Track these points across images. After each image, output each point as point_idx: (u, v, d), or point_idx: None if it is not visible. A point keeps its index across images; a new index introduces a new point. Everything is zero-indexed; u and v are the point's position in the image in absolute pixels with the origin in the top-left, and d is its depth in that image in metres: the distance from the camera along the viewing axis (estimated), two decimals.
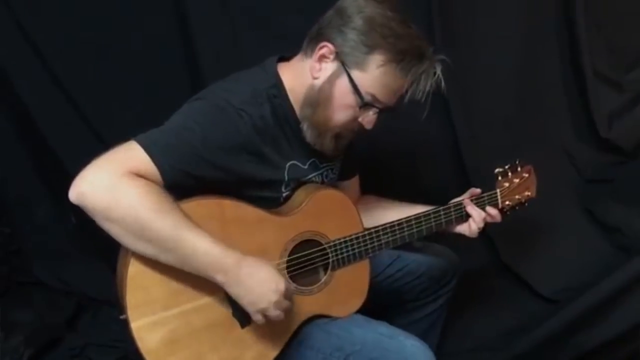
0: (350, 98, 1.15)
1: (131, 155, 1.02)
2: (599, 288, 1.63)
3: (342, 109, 1.16)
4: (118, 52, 1.78)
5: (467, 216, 1.37)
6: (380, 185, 1.53)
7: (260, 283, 1.06)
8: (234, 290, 1.06)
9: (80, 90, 1.81)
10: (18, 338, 1.70)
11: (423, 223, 1.32)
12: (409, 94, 1.15)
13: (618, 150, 2.03)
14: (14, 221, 1.99)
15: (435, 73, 1.14)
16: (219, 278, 1.05)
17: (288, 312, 1.11)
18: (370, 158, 1.68)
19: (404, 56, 1.12)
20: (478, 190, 1.41)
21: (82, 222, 1.89)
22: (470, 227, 1.37)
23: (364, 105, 1.16)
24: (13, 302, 1.86)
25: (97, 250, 1.91)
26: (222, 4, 1.71)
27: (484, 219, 1.38)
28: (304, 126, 1.18)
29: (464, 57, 1.82)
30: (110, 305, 1.89)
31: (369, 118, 1.18)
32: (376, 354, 1.18)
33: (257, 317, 1.08)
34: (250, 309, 1.07)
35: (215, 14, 1.71)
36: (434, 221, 1.34)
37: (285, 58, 1.22)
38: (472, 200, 1.38)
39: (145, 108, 1.81)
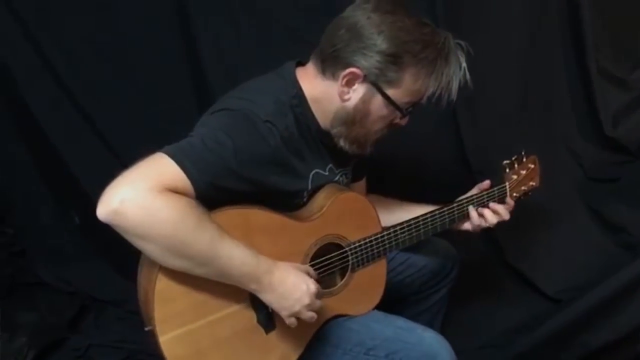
0: (386, 111, 1.16)
1: (165, 171, 0.98)
2: (603, 287, 1.62)
3: (379, 120, 1.17)
4: (121, 51, 1.78)
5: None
6: (384, 184, 1.53)
7: (292, 288, 1.07)
8: (267, 297, 1.07)
9: (83, 90, 1.81)
10: (22, 339, 1.70)
11: (438, 220, 1.34)
12: (445, 95, 1.14)
13: (623, 149, 2.02)
14: (18, 222, 2.00)
15: (461, 65, 1.14)
16: (253, 286, 1.06)
17: (318, 312, 1.12)
18: (375, 156, 1.67)
19: (435, 65, 1.12)
20: (486, 183, 1.41)
21: (85, 223, 1.90)
22: (486, 219, 1.38)
23: (405, 114, 1.18)
24: (16, 303, 1.86)
25: (101, 251, 1.91)
26: (226, 4, 1.71)
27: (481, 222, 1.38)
28: (341, 141, 1.19)
29: (469, 56, 1.81)
30: (113, 306, 1.89)
31: (405, 117, 1.20)
32: (396, 347, 1.20)
33: (291, 321, 1.10)
34: (284, 313, 1.09)
35: (218, 14, 1.71)
36: (448, 217, 1.35)
37: (301, 63, 1.21)
38: (482, 194, 1.39)
39: (147, 107, 1.81)
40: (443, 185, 1.46)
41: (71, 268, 1.97)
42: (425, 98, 1.16)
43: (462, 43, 1.16)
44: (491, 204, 1.39)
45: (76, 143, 1.85)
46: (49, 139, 1.84)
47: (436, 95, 1.14)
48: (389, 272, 1.44)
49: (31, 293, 1.94)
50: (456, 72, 1.13)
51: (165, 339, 1.04)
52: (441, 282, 1.54)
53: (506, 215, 1.39)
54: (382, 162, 1.71)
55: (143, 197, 0.93)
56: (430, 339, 1.22)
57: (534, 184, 1.47)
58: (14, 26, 1.73)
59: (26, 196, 1.97)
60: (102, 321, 1.88)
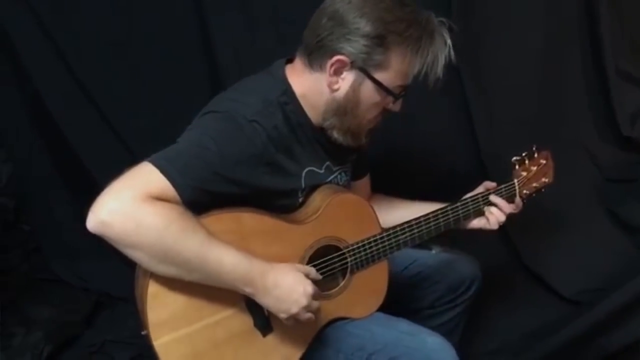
0: (378, 96, 1.15)
1: (148, 179, 0.99)
2: (621, 290, 1.60)
3: (371, 107, 1.16)
4: (136, 49, 1.79)
5: (483, 211, 1.35)
6: (397, 184, 1.52)
7: (289, 290, 1.06)
8: (263, 300, 1.07)
9: (99, 88, 1.83)
10: (38, 334, 1.72)
11: (441, 219, 1.31)
12: (431, 74, 1.13)
13: None
14: (34, 219, 2.02)
15: (445, 42, 1.13)
16: (248, 290, 1.05)
17: (317, 313, 1.12)
18: (387, 155, 1.67)
19: (420, 42, 1.11)
20: (493, 184, 1.38)
21: None
22: (489, 221, 1.35)
23: (397, 98, 1.16)
24: (32, 299, 1.89)
25: (115, 248, 1.92)
26: (242, 1, 1.71)
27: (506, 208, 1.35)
28: (334, 133, 1.17)
29: (485, 56, 1.80)
30: (128, 302, 1.90)
31: (398, 102, 1.19)
32: (398, 352, 1.18)
33: (290, 323, 1.09)
34: (282, 315, 1.08)
35: (233, 12, 1.71)
36: (452, 217, 1.32)
37: (290, 60, 1.20)
38: (489, 192, 1.35)
39: (159, 103, 1.83)
40: (456, 184, 1.45)
41: (86, 265, 1.99)
42: (411, 78, 1.15)
43: (445, 20, 1.15)
44: (492, 197, 1.35)
45: (92, 141, 1.87)
46: (65, 137, 1.86)
47: (422, 73, 1.13)
48: (401, 283, 1.42)
49: (47, 289, 1.96)
50: (441, 49, 1.12)
51: (159, 343, 1.04)
52: (457, 299, 1.48)
53: (507, 209, 1.35)
54: (397, 161, 1.71)
55: (128, 206, 0.95)
56: (432, 344, 1.19)
57: (546, 180, 1.41)
58: (31, 23, 1.75)
59: (42, 193, 1.99)
60: (116, 317, 1.90)
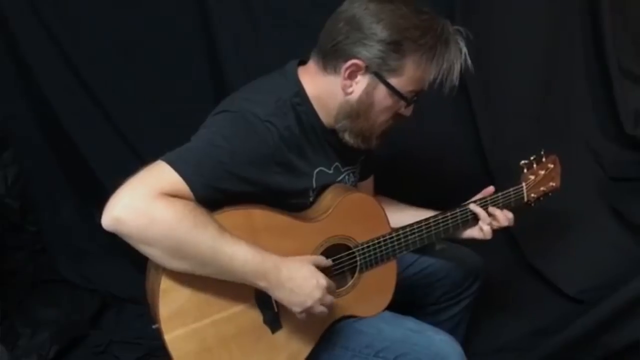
0: (390, 101, 1.16)
1: (162, 177, 1.01)
2: (626, 288, 1.59)
3: (383, 111, 1.17)
4: (141, 50, 1.80)
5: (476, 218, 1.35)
6: (401, 186, 1.52)
7: (302, 283, 1.07)
8: (277, 294, 1.07)
9: (104, 90, 1.83)
10: (44, 335, 1.73)
11: (450, 221, 1.31)
12: (447, 82, 1.14)
13: None
14: (40, 220, 2.02)
15: (461, 50, 1.14)
16: (261, 284, 1.06)
17: (329, 308, 1.12)
18: (390, 156, 1.66)
19: (435, 50, 1.12)
20: (491, 189, 1.38)
21: None
22: (482, 230, 1.34)
23: (409, 103, 1.17)
24: (39, 299, 1.90)
25: (121, 248, 1.92)
26: (245, 3, 1.72)
27: (491, 220, 1.34)
28: (345, 135, 1.18)
29: (487, 55, 1.80)
30: (133, 303, 1.91)
31: (409, 107, 1.20)
32: (405, 349, 1.19)
33: (302, 317, 1.10)
34: (295, 309, 1.08)
35: (236, 12, 1.72)
36: (461, 218, 1.33)
37: (303, 62, 1.21)
38: (497, 195, 1.36)
39: (162, 104, 1.83)
40: (461, 186, 1.46)
41: (92, 265, 2.00)
42: (427, 85, 1.16)
43: (461, 29, 1.15)
44: (490, 208, 1.34)
45: (97, 141, 1.88)
46: (70, 138, 1.87)
47: (438, 81, 1.14)
48: (406, 278, 1.43)
49: (53, 290, 1.97)
50: (457, 57, 1.13)
51: (171, 337, 1.05)
52: (462, 293, 1.51)
53: (505, 222, 1.34)
54: (398, 163, 1.71)
55: (141, 203, 0.97)
56: (440, 342, 1.20)
57: (554, 184, 1.43)
58: (35, 24, 1.75)
59: (48, 195, 2.00)
60: (122, 318, 1.91)
